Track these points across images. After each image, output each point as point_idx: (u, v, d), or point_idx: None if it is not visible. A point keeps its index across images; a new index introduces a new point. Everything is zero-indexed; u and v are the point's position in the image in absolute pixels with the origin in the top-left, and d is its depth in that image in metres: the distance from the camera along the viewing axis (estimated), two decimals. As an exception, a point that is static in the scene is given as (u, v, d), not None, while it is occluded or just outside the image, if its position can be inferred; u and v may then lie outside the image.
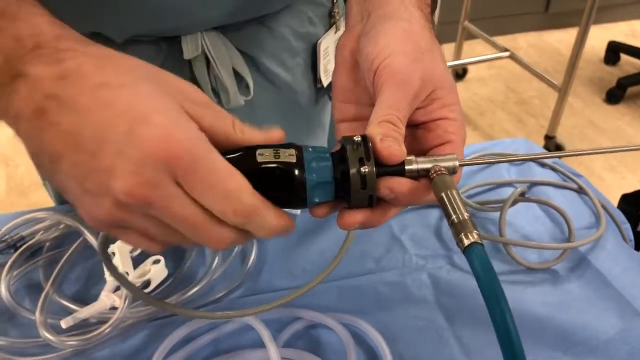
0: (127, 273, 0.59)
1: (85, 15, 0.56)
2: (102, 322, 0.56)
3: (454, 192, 0.38)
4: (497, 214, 0.70)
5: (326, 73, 0.76)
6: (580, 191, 0.78)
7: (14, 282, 0.62)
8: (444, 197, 0.38)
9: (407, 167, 0.40)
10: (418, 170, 0.40)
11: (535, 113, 2.64)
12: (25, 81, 0.35)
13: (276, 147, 0.39)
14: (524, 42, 3.20)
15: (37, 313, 0.56)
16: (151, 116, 0.34)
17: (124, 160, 0.34)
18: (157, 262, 0.62)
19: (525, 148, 0.86)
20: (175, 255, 0.67)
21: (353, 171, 0.38)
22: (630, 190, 1.29)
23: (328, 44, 0.74)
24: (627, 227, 0.76)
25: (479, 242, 0.35)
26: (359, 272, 0.65)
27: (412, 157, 0.40)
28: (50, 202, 0.85)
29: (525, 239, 0.69)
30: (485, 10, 2.90)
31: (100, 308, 0.57)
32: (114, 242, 0.59)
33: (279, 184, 0.38)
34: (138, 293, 0.51)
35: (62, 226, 0.67)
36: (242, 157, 0.38)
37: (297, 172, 0.38)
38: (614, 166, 2.32)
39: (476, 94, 2.75)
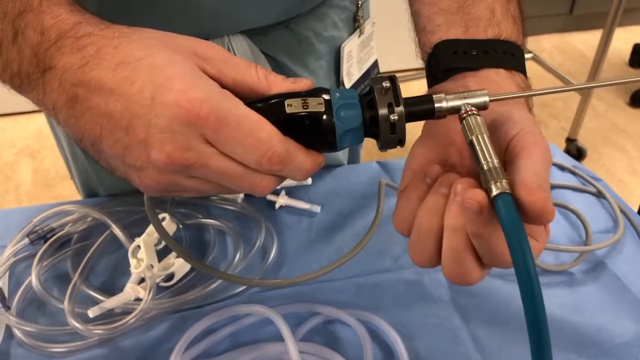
0: (152, 266, 0.60)
1: (115, 16, 0.58)
2: (126, 312, 0.58)
3: (485, 137, 0.36)
4: (515, 216, 0.71)
5: (349, 75, 0.77)
6: (599, 195, 0.78)
7: (43, 271, 0.64)
8: (474, 140, 0.37)
9: (436, 105, 0.39)
10: (448, 109, 0.38)
11: (558, 115, 2.62)
12: (53, 73, 0.37)
13: (304, 95, 0.39)
14: (548, 44, 3.17)
15: (65, 302, 0.58)
16: (170, 83, 0.35)
17: (154, 130, 0.35)
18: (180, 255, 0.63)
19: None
20: (198, 250, 0.69)
21: (382, 117, 0.38)
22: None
23: (351, 48, 0.75)
24: (645, 231, 0.76)
25: (507, 191, 0.33)
26: (377, 269, 0.66)
27: (441, 94, 0.38)
28: (76, 195, 0.87)
29: (542, 241, 0.70)
30: (508, 11, 2.88)
31: (125, 299, 0.59)
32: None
33: (308, 132, 0.38)
34: (187, 256, 0.53)
35: (89, 219, 0.69)
36: (271, 107, 0.38)
37: (326, 120, 0.38)
38: (637, 170, 2.30)
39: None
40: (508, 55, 0.44)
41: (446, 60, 0.45)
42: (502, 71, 0.44)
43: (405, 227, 0.39)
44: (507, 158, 0.37)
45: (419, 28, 0.50)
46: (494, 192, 0.33)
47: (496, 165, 0.35)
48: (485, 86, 0.39)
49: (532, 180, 0.33)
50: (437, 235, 0.37)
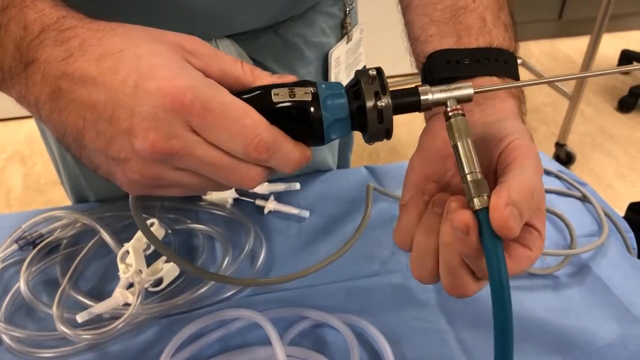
0: (140, 271, 0.61)
1: (102, 17, 0.59)
2: (115, 317, 0.58)
3: (469, 142, 0.37)
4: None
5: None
6: (584, 199, 0.79)
7: (32, 277, 0.64)
8: (460, 146, 0.37)
9: (422, 97, 0.39)
10: (433, 101, 0.38)
11: (547, 120, 2.64)
12: (36, 66, 0.36)
13: (290, 85, 0.38)
14: (537, 49, 3.20)
15: (54, 307, 0.58)
16: (155, 71, 0.35)
17: (138, 118, 0.34)
18: (168, 260, 0.64)
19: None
20: (187, 255, 0.69)
21: (369, 106, 0.38)
22: (640, 198, 1.30)
23: (339, 54, 0.76)
24: (630, 235, 0.77)
25: (487, 205, 0.35)
26: (366, 273, 0.67)
27: (426, 86, 0.39)
28: (67, 200, 0.87)
29: (528, 245, 0.71)
30: (497, 17, 2.90)
31: (113, 304, 0.59)
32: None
33: (295, 122, 0.38)
34: (177, 259, 0.52)
35: (78, 224, 0.70)
36: (257, 97, 0.38)
37: (313, 110, 0.38)
38: (625, 175, 2.32)
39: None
40: (501, 63, 0.45)
41: (440, 70, 0.45)
42: (495, 79, 0.44)
43: (406, 244, 0.40)
44: (499, 168, 0.38)
45: (413, 38, 0.50)
46: (476, 206, 0.35)
47: (479, 176, 0.36)
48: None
49: (505, 196, 0.34)
50: (435, 253, 0.38)
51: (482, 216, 0.35)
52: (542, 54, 3.18)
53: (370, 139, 0.40)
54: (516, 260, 0.36)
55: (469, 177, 0.36)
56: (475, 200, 0.35)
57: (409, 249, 0.40)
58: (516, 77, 0.46)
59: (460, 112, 0.38)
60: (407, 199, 0.42)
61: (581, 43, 3.10)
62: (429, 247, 0.38)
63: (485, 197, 0.35)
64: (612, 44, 3.10)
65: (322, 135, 0.39)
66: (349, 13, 0.75)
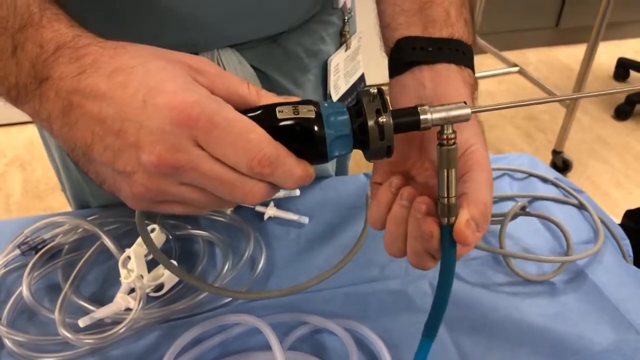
0: (142, 276, 0.61)
1: (108, 30, 0.60)
2: (116, 322, 0.58)
3: (453, 172, 0.41)
4: (498, 227, 0.72)
5: (336, 88, 0.79)
6: (581, 206, 0.80)
7: (34, 282, 0.65)
8: (445, 174, 0.41)
9: (421, 117, 0.40)
10: (432, 120, 0.40)
11: (544, 128, 2.66)
12: (50, 83, 0.37)
13: (294, 103, 0.39)
14: (534, 57, 3.22)
15: (56, 312, 0.58)
16: (163, 85, 0.36)
17: (145, 132, 0.35)
18: (170, 266, 0.64)
19: (529, 163, 0.88)
20: (187, 261, 0.70)
21: (370, 122, 0.39)
22: (636, 206, 1.31)
23: (338, 61, 0.77)
24: (626, 242, 0.78)
25: (452, 224, 0.41)
26: (364, 279, 0.68)
27: (426, 106, 0.40)
28: (66, 206, 0.88)
29: (525, 251, 0.72)
30: (495, 25, 2.93)
31: (115, 309, 0.59)
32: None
33: (299, 139, 0.39)
34: (176, 270, 0.53)
35: (80, 230, 0.70)
36: (262, 114, 0.39)
37: (316, 126, 0.39)
38: (621, 182, 2.33)
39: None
40: (460, 53, 0.49)
41: (406, 55, 0.49)
42: (453, 66, 0.48)
43: (377, 226, 0.47)
44: (458, 171, 0.43)
45: (383, 25, 0.54)
46: (444, 223, 0.42)
47: (453, 202, 0.41)
48: (436, 78, 0.47)
49: (466, 216, 0.41)
50: (404, 238, 0.45)
51: (446, 229, 0.42)
52: (539, 62, 3.19)
53: (371, 156, 0.41)
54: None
55: (444, 201, 0.41)
56: (444, 219, 0.41)
57: (380, 229, 0.47)
58: (472, 67, 0.50)
59: (453, 142, 0.40)
60: (378, 179, 0.48)
61: (578, 51, 3.11)
62: (398, 234, 0.45)
63: (453, 219, 0.41)
64: (608, 52, 3.11)
65: (325, 151, 0.40)
66: (347, 21, 0.76)
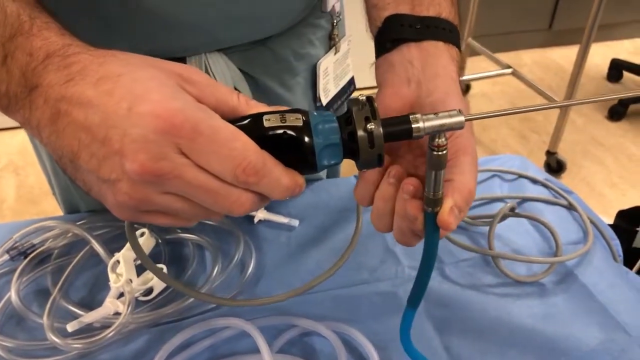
0: (131, 280, 0.61)
1: (97, 34, 0.60)
2: (105, 326, 0.58)
3: (442, 173, 0.40)
4: (488, 228, 0.73)
5: (325, 92, 0.79)
6: (570, 207, 0.80)
7: (23, 287, 0.65)
8: (432, 174, 0.40)
9: (413, 126, 0.39)
10: (424, 129, 0.39)
11: (538, 129, 2.67)
12: (39, 91, 0.37)
13: (282, 112, 0.39)
14: (528, 59, 3.23)
15: (45, 317, 0.58)
16: (148, 94, 0.36)
17: (129, 140, 0.35)
18: (159, 270, 0.64)
19: (520, 165, 0.89)
20: (177, 264, 0.70)
21: (360, 130, 0.38)
22: (630, 206, 1.31)
23: (327, 65, 0.77)
24: (616, 242, 0.78)
25: (437, 212, 0.42)
26: (354, 282, 0.68)
27: (418, 115, 0.39)
28: (59, 211, 0.88)
29: (515, 252, 0.72)
30: (488, 27, 2.93)
31: (104, 313, 0.59)
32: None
33: (287, 148, 0.38)
34: (164, 277, 0.53)
35: (69, 235, 0.70)
36: (249, 123, 0.38)
37: (304, 135, 0.38)
38: (615, 183, 2.34)
39: (479, 110, 2.77)
40: (446, 31, 0.50)
41: (394, 32, 0.50)
42: (440, 44, 0.49)
43: (364, 203, 0.47)
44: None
45: (371, 5, 0.54)
46: (428, 211, 0.42)
47: (439, 196, 0.41)
48: (424, 56, 0.47)
49: (450, 203, 0.41)
50: (391, 215, 0.45)
51: (429, 216, 0.42)
52: (533, 63, 3.20)
53: (362, 165, 0.41)
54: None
55: (430, 196, 0.41)
56: (429, 209, 0.42)
57: (367, 205, 0.47)
58: (458, 45, 0.51)
59: (444, 148, 0.39)
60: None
61: (572, 52, 3.11)
62: (386, 211, 0.45)
63: (438, 209, 0.42)
64: (602, 53, 3.13)
65: (314, 161, 0.39)
66: (336, 25, 0.76)
